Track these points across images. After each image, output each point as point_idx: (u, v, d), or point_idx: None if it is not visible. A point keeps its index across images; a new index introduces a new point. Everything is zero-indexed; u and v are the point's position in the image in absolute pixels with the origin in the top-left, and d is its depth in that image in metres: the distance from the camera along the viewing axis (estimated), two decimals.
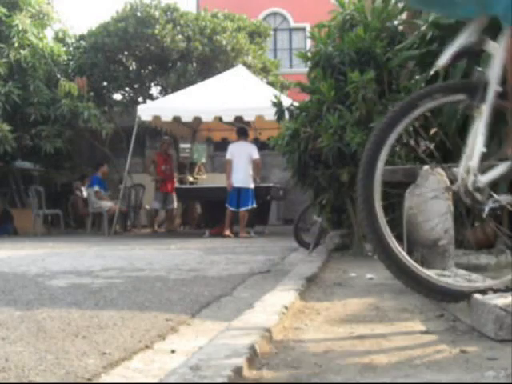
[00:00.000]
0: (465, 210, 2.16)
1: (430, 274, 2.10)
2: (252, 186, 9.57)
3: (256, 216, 9.95)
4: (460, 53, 2.16)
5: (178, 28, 13.35)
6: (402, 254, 2.00)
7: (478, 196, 2.11)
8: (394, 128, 2.16)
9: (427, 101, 2.17)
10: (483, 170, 2.14)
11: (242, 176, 9.45)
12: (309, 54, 5.71)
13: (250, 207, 9.49)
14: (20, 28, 11.43)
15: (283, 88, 13.68)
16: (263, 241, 8.56)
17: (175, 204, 11.54)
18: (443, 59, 2.17)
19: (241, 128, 10.19)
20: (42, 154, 11.65)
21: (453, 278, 2.27)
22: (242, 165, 9.44)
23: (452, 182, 2.17)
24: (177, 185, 11.70)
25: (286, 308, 2.32)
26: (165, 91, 13.53)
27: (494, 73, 2.09)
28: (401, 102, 2.25)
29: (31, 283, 3.89)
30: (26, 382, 1.69)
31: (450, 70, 4.65)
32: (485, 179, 2.12)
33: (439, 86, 2.25)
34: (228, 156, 9.63)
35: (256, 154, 9.53)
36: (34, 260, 5.60)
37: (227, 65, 13.05)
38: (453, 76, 4.60)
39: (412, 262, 2.09)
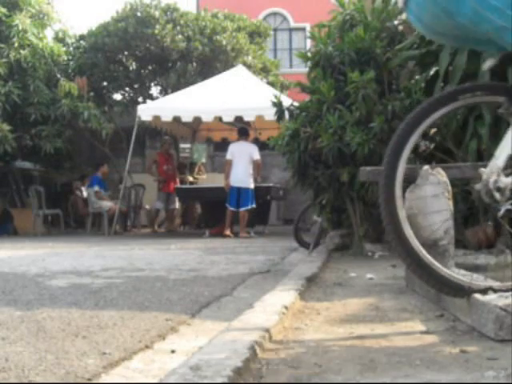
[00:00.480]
0: (482, 209, 2.17)
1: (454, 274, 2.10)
2: (252, 186, 9.57)
3: (256, 216, 9.95)
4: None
5: (178, 28, 13.35)
6: (426, 255, 1.98)
7: (497, 196, 2.11)
8: (429, 114, 2.16)
9: (468, 96, 2.17)
10: (509, 172, 2.13)
11: (242, 176, 9.45)
12: (309, 54, 5.71)
13: (249, 207, 9.48)
14: (20, 28, 11.43)
15: (283, 88, 13.68)
16: (263, 241, 8.56)
17: (177, 204, 11.55)
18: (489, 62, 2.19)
19: (242, 128, 10.18)
20: (42, 154, 11.65)
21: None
22: (242, 165, 9.44)
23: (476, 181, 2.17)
24: (177, 185, 11.70)
25: (286, 308, 2.32)
26: (165, 91, 13.52)
27: None
28: (439, 94, 2.22)
29: (31, 283, 3.89)
30: (26, 381, 1.69)
31: (449, 70, 4.65)
32: (507, 180, 2.12)
33: (483, 83, 2.25)
34: (228, 156, 9.64)
35: (257, 155, 9.53)
36: (34, 260, 5.60)
37: (227, 65, 13.05)
38: (453, 76, 4.60)
39: (436, 262, 2.09)
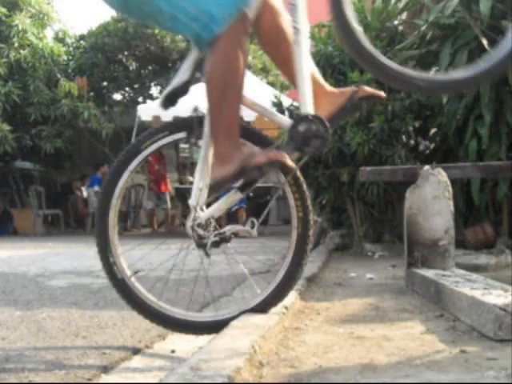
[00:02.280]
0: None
1: None
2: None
3: (256, 216, 9.95)
4: (175, 92, 2.16)
5: None
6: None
7: (201, 231, 2.16)
8: (121, 173, 2.30)
9: (149, 143, 2.20)
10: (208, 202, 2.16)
11: None
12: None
13: (244, 205, 9.56)
14: (20, 28, 11.44)
15: (283, 88, 13.67)
16: (263, 241, 8.56)
17: (169, 204, 11.56)
18: (160, 101, 2.21)
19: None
20: (42, 153, 11.65)
21: None
22: None
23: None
24: (177, 185, 11.69)
25: (286, 308, 2.32)
26: None
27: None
28: (124, 150, 2.29)
29: (31, 283, 3.89)
30: (26, 382, 1.69)
31: (449, 70, 4.65)
32: (204, 215, 2.15)
33: (161, 126, 2.29)
34: None
35: None
36: (34, 260, 5.59)
37: None
38: None
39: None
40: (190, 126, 2.16)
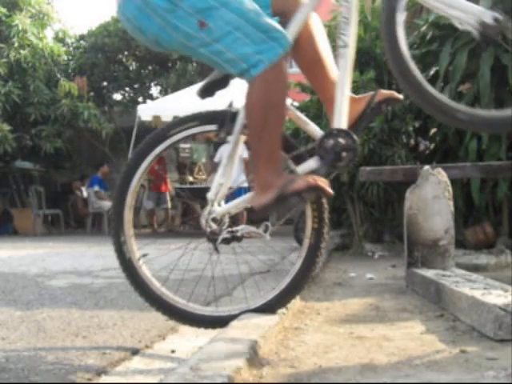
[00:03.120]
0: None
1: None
2: (245, 184, 9.57)
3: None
4: (213, 83, 2.20)
5: None
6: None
7: (214, 226, 2.16)
8: (146, 155, 2.24)
9: (177, 131, 2.22)
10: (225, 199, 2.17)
11: (235, 176, 9.44)
12: None
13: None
14: (20, 28, 11.44)
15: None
16: (263, 241, 8.55)
17: (169, 204, 11.55)
18: (198, 92, 2.26)
19: None
20: (42, 153, 11.65)
21: None
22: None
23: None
24: (177, 185, 11.69)
25: (286, 308, 2.32)
26: (165, 91, 13.52)
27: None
28: (151, 135, 2.28)
29: (31, 283, 3.89)
30: (26, 381, 1.69)
31: (449, 70, 4.65)
32: (220, 210, 2.15)
33: (194, 115, 2.29)
34: (216, 158, 9.67)
35: (246, 153, 9.55)
36: (34, 260, 5.60)
37: None
38: (453, 76, 4.60)
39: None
40: (223, 119, 2.16)
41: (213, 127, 2.20)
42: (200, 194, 11.29)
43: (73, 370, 1.79)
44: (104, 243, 8.29)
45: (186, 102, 10.49)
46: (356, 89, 4.92)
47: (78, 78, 12.13)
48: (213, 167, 9.61)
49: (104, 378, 1.74)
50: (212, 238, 2.18)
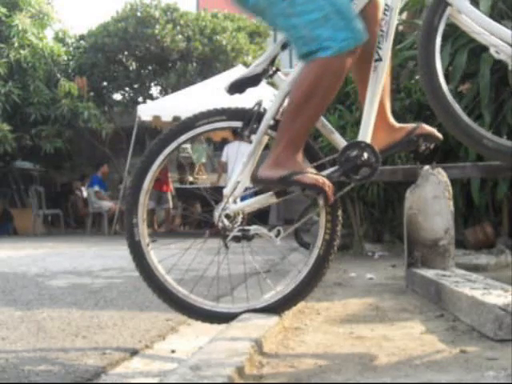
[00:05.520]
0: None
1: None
2: (250, 185, 9.57)
3: (256, 216, 9.93)
4: (244, 81, 2.18)
5: (178, 28, 13.34)
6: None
7: (226, 222, 2.16)
8: (170, 141, 2.25)
9: (204, 123, 2.22)
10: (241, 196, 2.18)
11: None
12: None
13: None
14: (20, 28, 11.43)
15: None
16: (263, 241, 8.55)
17: (170, 203, 11.53)
18: (226, 86, 2.26)
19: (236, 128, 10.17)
20: (42, 153, 11.64)
21: None
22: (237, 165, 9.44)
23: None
24: (177, 185, 11.69)
25: None
26: (165, 91, 13.52)
27: (272, 105, 2.10)
28: (180, 122, 2.30)
29: (31, 283, 3.89)
30: (26, 382, 1.69)
31: (449, 70, 4.65)
32: (236, 207, 2.16)
33: (221, 109, 2.30)
34: (223, 158, 9.65)
35: None
36: (34, 260, 5.60)
37: (227, 65, 13.03)
38: (453, 76, 4.60)
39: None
40: (249, 118, 2.15)
41: (238, 124, 2.19)
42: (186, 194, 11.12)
43: (73, 370, 1.79)
44: (104, 243, 8.29)
45: (185, 101, 10.50)
46: (356, 89, 4.93)
47: (77, 78, 12.13)
48: (221, 167, 9.59)
49: (104, 378, 1.74)
50: (223, 234, 2.16)
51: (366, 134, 2.03)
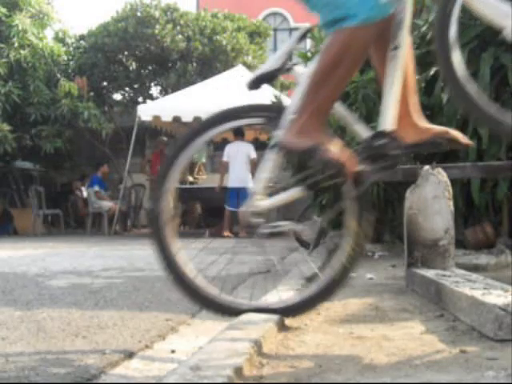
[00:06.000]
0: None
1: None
2: (251, 185, 9.57)
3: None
4: (264, 76, 2.18)
5: (178, 28, 13.35)
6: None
7: (253, 220, 2.14)
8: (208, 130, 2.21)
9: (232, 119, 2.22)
10: (270, 193, 2.15)
11: (241, 176, 9.45)
12: (309, 54, 5.71)
13: None
14: (20, 28, 11.43)
15: (283, 88, 13.68)
16: (263, 241, 8.54)
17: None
18: (247, 82, 2.25)
19: (237, 128, 10.17)
20: (42, 153, 11.65)
21: None
22: (239, 165, 9.44)
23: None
24: (177, 185, 11.68)
25: None
26: (165, 91, 13.52)
27: (293, 99, 2.09)
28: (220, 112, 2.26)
29: (31, 283, 3.89)
30: (26, 382, 1.69)
31: None
32: (264, 204, 2.14)
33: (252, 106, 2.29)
34: (224, 158, 9.65)
35: (253, 154, 9.54)
36: (34, 260, 5.60)
37: (227, 65, 13.04)
38: None
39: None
40: (272, 114, 2.15)
41: (259, 120, 2.18)
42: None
43: (73, 370, 1.78)
44: (104, 243, 8.30)
45: (185, 101, 10.51)
46: (356, 89, 4.92)
47: (77, 78, 12.13)
48: (223, 167, 9.59)
49: (104, 378, 1.74)
50: (250, 231, 2.14)
51: (386, 121, 2.01)
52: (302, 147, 1.97)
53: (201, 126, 2.23)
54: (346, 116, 2.14)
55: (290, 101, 2.12)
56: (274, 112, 2.16)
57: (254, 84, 2.20)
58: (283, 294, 2.47)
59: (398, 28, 2.01)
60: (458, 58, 1.87)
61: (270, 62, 2.18)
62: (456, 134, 2.10)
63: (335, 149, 1.98)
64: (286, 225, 2.16)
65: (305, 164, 2.05)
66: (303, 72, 2.13)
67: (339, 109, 2.14)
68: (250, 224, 2.15)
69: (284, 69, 2.15)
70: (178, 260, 2.22)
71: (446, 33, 1.86)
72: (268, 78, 2.19)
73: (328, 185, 2.07)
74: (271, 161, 2.14)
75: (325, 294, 2.20)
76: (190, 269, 2.23)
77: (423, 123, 2.12)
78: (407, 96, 2.07)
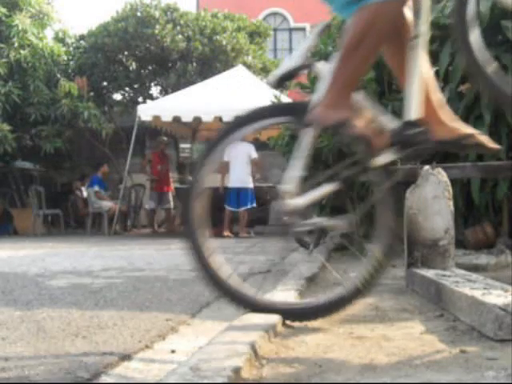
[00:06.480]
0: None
1: None
2: (251, 185, 9.57)
3: (257, 216, 9.94)
4: (287, 75, 2.19)
5: (178, 28, 13.36)
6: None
7: (287, 219, 2.11)
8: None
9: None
10: (303, 191, 2.13)
11: (241, 176, 9.45)
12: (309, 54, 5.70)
13: (249, 207, 9.48)
14: (20, 28, 11.43)
15: (283, 88, 13.68)
16: (263, 241, 8.56)
17: (171, 204, 11.53)
18: (269, 80, 2.23)
19: None
20: (42, 154, 11.65)
21: None
22: (239, 165, 9.44)
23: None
24: (177, 185, 11.69)
25: None
26: (165, 91, 13.53)
27: (318, 90, 2.09)
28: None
29: (31, 283, 3.89)
30: (26, 381, 1.69)
31: (449, 70, 4.65)
32: (296, 202, 2.11)
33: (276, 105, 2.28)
34: (225, 157, 9.65)
35: (254, 154, 9.53)
36: (34, 260, 5.60)
37: (227, 65, 13.04)
38: (453, 76, 4.60)
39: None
40: (299, 112, 2.14)
41: (286, 119, 2.18)
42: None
43: (73, 370, 1.78)
44: (104, 243, 8.30)
45: (185, 101, 10.51)
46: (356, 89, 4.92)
47: (78, 78, 12.13)
48: (224, 167, 9.58)
49: (104, 378, 1.74)
50: (284, 230, 2.12)
51: (410, 111, 2.01)
52: (332, 121, 1.99)
53: (226, 129, 2.21)
54: (372, 107, 2.14)
55: (316, 93, 2.10)
56: (299, 110, 2.15)
57: (278, 83, 2.21)
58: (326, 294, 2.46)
59: (417, 17, 2.02)
60: (475, 36, 1.86)
61: (292, 60, 2.18)
62: (483, 138, 2.08)
63: (363, 124, 1.99)
64: (320, 221, 2.14)
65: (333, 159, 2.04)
66: (326, 68, 2.11)
67: (364, 101, 2.14)
68: (285, 223, 2.11)
69: (306, 65, 2.14)
70: (212, 262, 2.18)
71: (464, 9, 1.86)
72: (291, 75, 2.19)
73: (360, 177, 2.07)
74: (304, 158, 2.11)
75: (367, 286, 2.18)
76: (224, 270, 2.20)
77: (451, 122, 2.10)
78: (429, 93, 2.07)
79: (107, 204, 11.23)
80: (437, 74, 4.78)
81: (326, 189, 2.13)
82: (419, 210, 3.14)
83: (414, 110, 2.01)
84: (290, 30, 21.97)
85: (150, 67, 13.91)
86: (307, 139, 2.12)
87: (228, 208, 9.53)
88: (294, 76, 2.21)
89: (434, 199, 3.14)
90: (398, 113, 5.21)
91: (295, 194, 2.11)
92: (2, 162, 11.83)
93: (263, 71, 14.24)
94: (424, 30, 2.01)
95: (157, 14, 13.35)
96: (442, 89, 4.61)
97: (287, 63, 2.20)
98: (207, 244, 2.22)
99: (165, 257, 5.79)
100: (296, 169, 2.12)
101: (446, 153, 5.00)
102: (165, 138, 11.75)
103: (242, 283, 2.24)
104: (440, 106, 2.10)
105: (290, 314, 2.20)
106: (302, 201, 2.11)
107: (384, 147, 2.01)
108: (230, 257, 5.45)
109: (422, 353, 1.76)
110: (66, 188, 13.09)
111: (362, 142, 2.00)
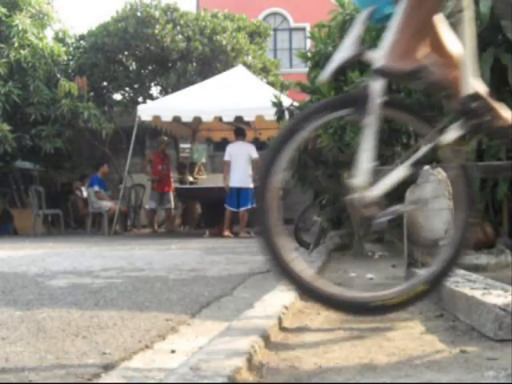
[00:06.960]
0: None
1: None
2: (252, 185, 9.58)
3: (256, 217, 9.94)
4: (343, 66, 2.17)
5: (178, 28, 13.36)
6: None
7: (364, 212, 2.03)
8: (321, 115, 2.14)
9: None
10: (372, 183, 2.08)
11: (242, 176, 9.46)
12: (309, 54, 5.71)
13: (249, 207, 9.48)
14: (20, 28, 11.43)
15: (283, 88, 13.69)
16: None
17: (172, 204, 11.54)
18: (324, 76, 2.19)
19: (238, 128, 10.19)
20: (42, 153, 11.65)
21: None
22: (240, 165, 9.44)
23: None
24: (177, 185, 11.70)
25: (286, 308, 2.32)
26: (165, 91, 13.53)
27: (377, 83, 2.04)
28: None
29: (31, 283, 3.89)
30: (26, 381, 1.69)
31: None
32: (372, 194, 2.04)
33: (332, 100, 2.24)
34: (226, 157, 9.65)
35: (255, 154, 9.54)
36: (34, 260, 5.60)
37: (227, 65, 13.05)
38: None
39: None
40: (359, 102, 2.09)
41: (348, 111, 2.12)
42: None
43: (73, 370, 1.78)
44: (104, 243, 8.30)
45: (185, 101, 10.51)
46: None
47: (78, 78, 12.13)
48: (227, 166, 9.58)
49: (104, 378, 1.74)
50: (365, 224, 2.05)
51: (467, 86, 2.01)
52: (406, 70, 1.94)
53: (292, 126, 2.16)
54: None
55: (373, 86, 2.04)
56: (360, 101, 2.11)
57: (335, 75, 2.17)
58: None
59: None
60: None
61: (343, 51, 2.13)
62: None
63: (440, 69, 1.96)
64: (398, 208, 2.10)
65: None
66: (377, 55, 2.06)
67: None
68: (364, 217, 2.02)
69: (358, 54, 2.12)
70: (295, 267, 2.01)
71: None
72: (348, 65, 2.17)
73: (431, 156, 2.03)
74: (371, 150, 2.06)
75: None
76: (308, 274, 2.04)
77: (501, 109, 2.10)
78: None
79: (107, 204, 11.23)
80: None
81: (397, 175, 2.08)
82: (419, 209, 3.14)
83: (471, 84, 2.00)
84: (290, 30, 21.97)
85: (150, 67, 13.92)
86: (371, 129, 2.08)
87: (228, 208, 9.54)
88: (351, 65, 2.19)
89: (434, 199, 3.14)
90: None
91: (368, 186, 2.06)
92: (2, 161, 11.83)
93: (263, 71, 14.24)
94: (468, 4, 1.99)
95: (157, 13, 13.35)
96: None
97: (339, 55, 2.15)
98: (287, 247, 2.06)
99: (165, 257, 5.79)
100: (365, 161, 2.08)
101: None
102: (165, 138, 11.75)
103: (330, 284, 2.13)
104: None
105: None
106: (376, 192, 2.06)
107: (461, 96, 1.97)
108: (230, 257, 5.46)
109: (422, 353, 1.76)
110: (66, 188, 13.09)
111: (444, 86, 1.96)
